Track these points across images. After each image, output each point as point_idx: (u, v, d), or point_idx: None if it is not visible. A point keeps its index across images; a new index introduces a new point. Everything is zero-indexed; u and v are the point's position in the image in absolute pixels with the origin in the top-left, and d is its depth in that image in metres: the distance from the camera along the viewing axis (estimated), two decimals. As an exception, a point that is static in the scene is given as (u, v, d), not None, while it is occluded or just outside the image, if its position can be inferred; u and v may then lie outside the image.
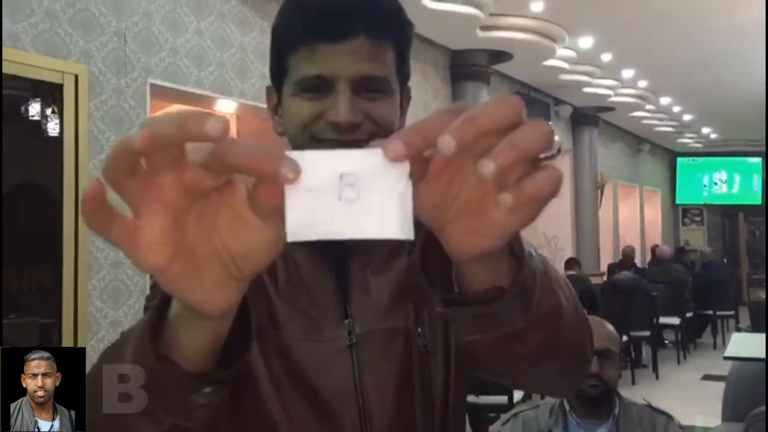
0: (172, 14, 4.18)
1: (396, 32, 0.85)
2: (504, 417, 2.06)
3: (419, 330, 0.81)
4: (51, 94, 3.63)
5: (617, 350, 1.99)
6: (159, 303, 0.56)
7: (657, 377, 7.95)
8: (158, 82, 4.05)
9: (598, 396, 1.93)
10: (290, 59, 0.83)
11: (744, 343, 3.24)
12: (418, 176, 0.44)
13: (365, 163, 0.42)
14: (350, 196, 0.42)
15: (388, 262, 0.85)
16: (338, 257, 0.84)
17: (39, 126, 3.69)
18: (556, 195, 0.45)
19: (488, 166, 0.42)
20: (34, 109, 3.72)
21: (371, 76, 0.80)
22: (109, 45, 3.79)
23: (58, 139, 3.55)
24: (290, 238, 0.43)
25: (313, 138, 0.81)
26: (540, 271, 0.61)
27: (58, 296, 3.50)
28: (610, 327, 2.00)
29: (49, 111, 3.68)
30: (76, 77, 3.58)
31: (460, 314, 0.58)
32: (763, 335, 5.07)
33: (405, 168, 0.42)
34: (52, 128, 3.62)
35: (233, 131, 5.67)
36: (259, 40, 4.78)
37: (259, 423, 0.78)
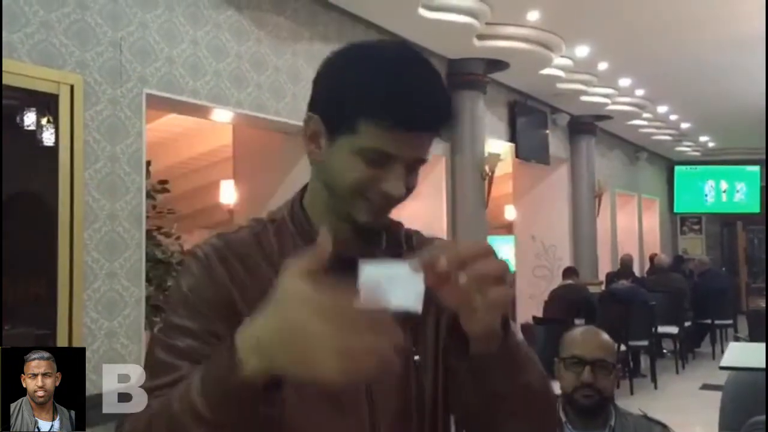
0: (168, 24, 4.18)
1: (447, 126, 1.00)
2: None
3: (414, 348, 1.01)
4: (46, 104, 3.62)
5: (612, 359, 1.98)
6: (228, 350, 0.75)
7: (655, 387, 7.92)
8: (154, 91, 4.05)
9: (592, 406, 1.92)
10: (361, 124, 0.93)
11: (740, 353, 3.23)
12: (429, 280, 0.78)
13: (403, 268, 0.79)
14: (392, 285, 0.77)
15: None
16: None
17: (34, 136, 3.68)
18: (507, 303, 0.84)
19: (462, 278, 0.79)
20: (30, 119, 3.71)
21: (422, 160, 0.98)
22: (104, 55, 3.79)
23: (54, 149, 3.54)
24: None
25: (361, 196, 0.96)
26: (522, 343, 0.94)
27: (53, 307, 3.49)
28: (604, 336, 2.00)
29: (44, 121, 3.67)
30: (72, 87, 3.58)
31: (459, 364, 0.91)
32: (760, 344, 5.06)
33: (421, 275, 0.79)
34: (48, 138, 3.61)
35: (228, 140, 5.67)
36: (255, 49, 4.79)
37: (283, 421, 0.89)
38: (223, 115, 4.82)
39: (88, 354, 3.52)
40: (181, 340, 0.91)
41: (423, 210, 6.83)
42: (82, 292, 3.58)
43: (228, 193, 6.32)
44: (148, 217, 4.33)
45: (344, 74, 0.95)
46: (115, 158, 3.80)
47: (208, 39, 4.45)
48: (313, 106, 0.99)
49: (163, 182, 5.69)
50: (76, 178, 3.56)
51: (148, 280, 4.49)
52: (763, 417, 2.33)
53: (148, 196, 4.58)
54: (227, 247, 1.00)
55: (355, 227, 0.98)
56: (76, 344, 3.49)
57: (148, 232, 4.55)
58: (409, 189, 0.98)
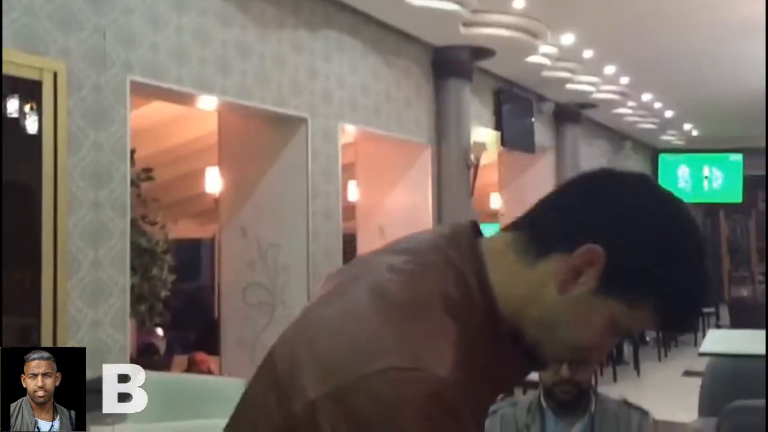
0: (152, 10, 4.15)
1: None
2: (483, 415, 2.07)
3: None
4: (30, 91, 3.59)
5: None
6: None
7: (638, 374, 8.01)
8: (138, 78, 4.02)
9: (572, 400, 1.94)
10: (643, 306, 0.84)
11: (720, 339, 3.28)
12: None
13: None
14: None
15: None
16: None
17: (17, 123, 3.65)
18: None
19: None
20: (13, 106, 3.68)
21: None
22: (88, 41, 3.75)
23: (37, 137, 3.52)
24: None
25: (573, 354, 0.92)
26: None
27: (38, 296, 3.47)
28: None
29: (27, 108, 3.64)
30: (55, 74, 3.55)
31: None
32: (739, 331, 5.14)
33: None
34: (31, 125, 3.59)
35: (213, 128, 5.65)
36: (241, 36, 4.76)
37: None
38: (208, 103, 4.79)
39: (72, 343, 3.52)
40: None
41: (408, 198, 6.85)
42: (67, 281, 3.57)
43: (213, 182, 6.30)
44: (132, 205, 4.31)
45: (688, 261, 0.84)
46: (99, 146, 3.78)
47: (193, 25, 4.42)
48: (613, 245, 0.83)
49: (148, 170, 5.66)
50: (59, 166, 3.53)
51: (133, 269, 4.47)
52: (743, 402, 2.37)
53: (133, 184, 4.56)
54: None
55: (528, 361, 0.87)
56: (60, 334, 3.48)
57: (133, 221, 4.53)
58: None
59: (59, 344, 3.36)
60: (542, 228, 0.87)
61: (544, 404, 1.97)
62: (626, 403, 2.05)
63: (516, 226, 0.89)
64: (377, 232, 6.68)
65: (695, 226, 0.87)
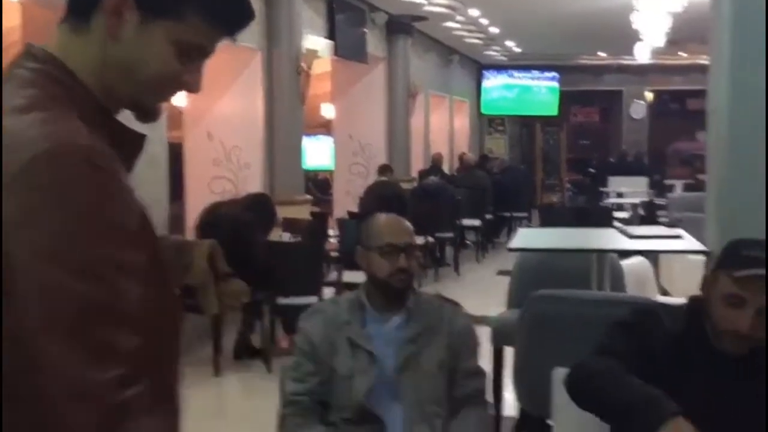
0: None
1: None
2: (306, 313, 2.15)
3: None
4: None
5: (415, 242, 2.13)
6: None
7: (458, 274, 8.60)
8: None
9: (404, 288, 2.06)
10: (190, 15, 0.90)
11: (527, 237, 3.60)
12: None
13: None
14: None
15: None
16: None
17: None
18: None
19: None
20: None
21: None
22: None
23: None
24: None
25: (161, 88, 0.95)
26: None
27: None
28: (406, 223, 2.12)
29: None
30: None
31: None
32: (544, 229, 5.64)
33: None
34: None
35: (16, 21, 5.12)
36: None
37: None
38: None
39: None
40: None
41: (238, 107, 6.68)
42: None
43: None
44: None
45: None
46: None
47: None
48: None
49: None
50: None
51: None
52: (544, 291, 2.63)
53: None
54: None
55: (139, 115, 0.95)
56: None
57: None
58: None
59: None
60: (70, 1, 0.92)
61: (366, 304, 2.07)
62: (440, 297, 2.20)
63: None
64: (205, 137, 6.51)
65: None
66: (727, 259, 1.69)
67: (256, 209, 5.16)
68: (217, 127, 6.54)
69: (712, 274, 1.71)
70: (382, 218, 2.13)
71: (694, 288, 1.78)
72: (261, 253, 4.97)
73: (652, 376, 1.65)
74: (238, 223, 4.88)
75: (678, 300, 2.31)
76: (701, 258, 2.93)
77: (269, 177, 6.87)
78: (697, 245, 2.81)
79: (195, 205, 5.72)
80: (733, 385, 1.67)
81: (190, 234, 5.33)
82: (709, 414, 1.59)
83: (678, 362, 1.70)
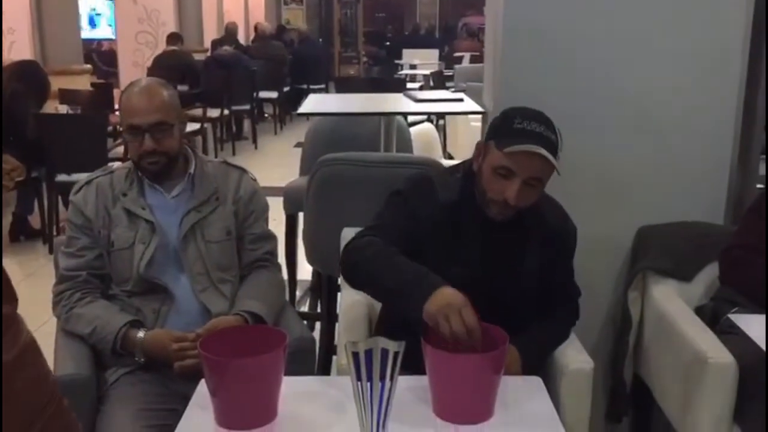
0: None
1: None
2: (77, 185, 2.00)
3: None
4: None
5: (173, 117, 1.90)
6: None
7: (256, 147, 8.51)
8: None
9: (161, 170, 1.92)
10: None
11: (317, 102, 3.58)
12: None
13: None
14: None
15: None
16: None
17: None
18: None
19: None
20: None
21: None
22: None
23: None
24: None
25: None
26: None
27: None
28: (161, 95, 1.88)
29: None
30: None
31: None
32: (337, 95, 5.67)
33: None
34: None
35: None
36: None
37: None
38: None
39: None
40: None
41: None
42: None
43: None
44: None
45: None
46: None
47: None
48: None
49: None
50: None
51: None
52: (331, 155, 2.65)
53: None
54: None
55: None
56: None
57: None
58: None
59: None
60: None
61: (139, 173, 1.96)
62: (225, 163, 2.13)
63: None
64: None
65: None
66: (498, 130, 1.68)
67: (25, 79, 4.67)
68: None
69: (485, 145, 1.70)
70: (130, 93, 1.91)
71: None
72: (35, 127, 4.56)
73: (425, 242, 1.70)
74: (6, 95, 4.42)
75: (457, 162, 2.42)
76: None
77: (39, 44, 6.23)
78: (476, 107, 2.96)
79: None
80: (502, 250, 1.74)
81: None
82: (482, 279, 1.68)
83: (450, 228, 1.73)
